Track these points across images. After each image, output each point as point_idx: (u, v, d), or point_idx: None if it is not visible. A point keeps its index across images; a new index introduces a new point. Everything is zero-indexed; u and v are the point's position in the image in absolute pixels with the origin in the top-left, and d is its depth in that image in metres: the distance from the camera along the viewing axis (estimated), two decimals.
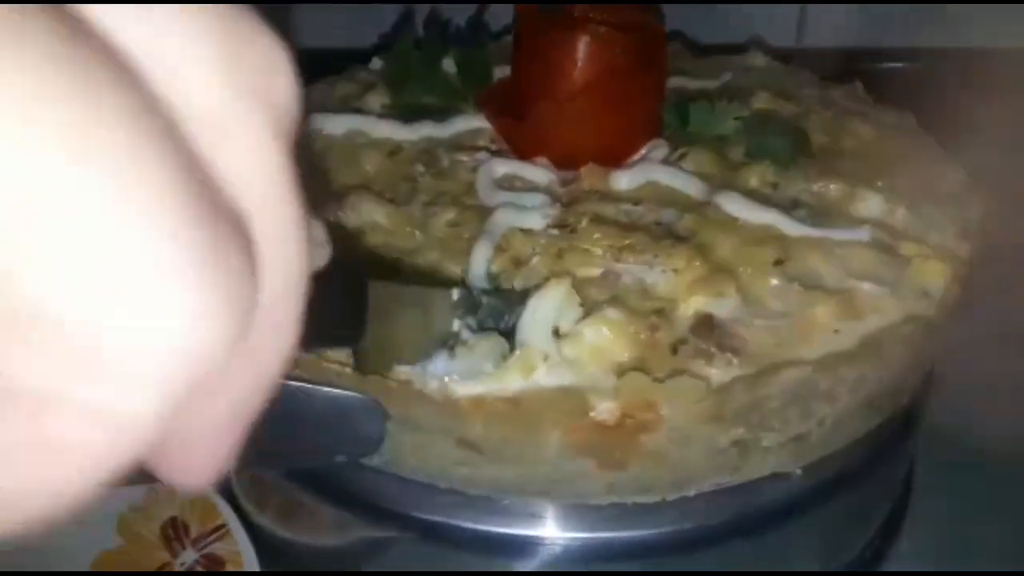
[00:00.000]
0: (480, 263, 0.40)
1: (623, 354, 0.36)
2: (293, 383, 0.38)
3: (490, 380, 0.36)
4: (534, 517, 0.40)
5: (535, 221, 0.44)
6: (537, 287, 0.39)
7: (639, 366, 0.36)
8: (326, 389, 0.38)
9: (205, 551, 0.49)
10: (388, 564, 0.44)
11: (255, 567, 0.47)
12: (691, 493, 0.39)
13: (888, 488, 0.49)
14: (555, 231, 0.42)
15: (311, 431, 0.40)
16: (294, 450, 0.47)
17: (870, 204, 0.46)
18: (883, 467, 0.45)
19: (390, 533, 0.43)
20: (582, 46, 0.47)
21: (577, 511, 0.40)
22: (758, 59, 0.63)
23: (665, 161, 0.48)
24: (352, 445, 0.42)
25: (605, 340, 0.37)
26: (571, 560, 0.40)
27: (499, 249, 0.42)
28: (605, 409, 0.35)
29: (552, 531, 0.41)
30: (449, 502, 0.40)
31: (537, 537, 0.41)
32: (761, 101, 0.54)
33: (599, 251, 0.41)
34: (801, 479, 0.41)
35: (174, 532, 0.50)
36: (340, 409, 0.38)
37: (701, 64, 0.62)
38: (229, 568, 0.47)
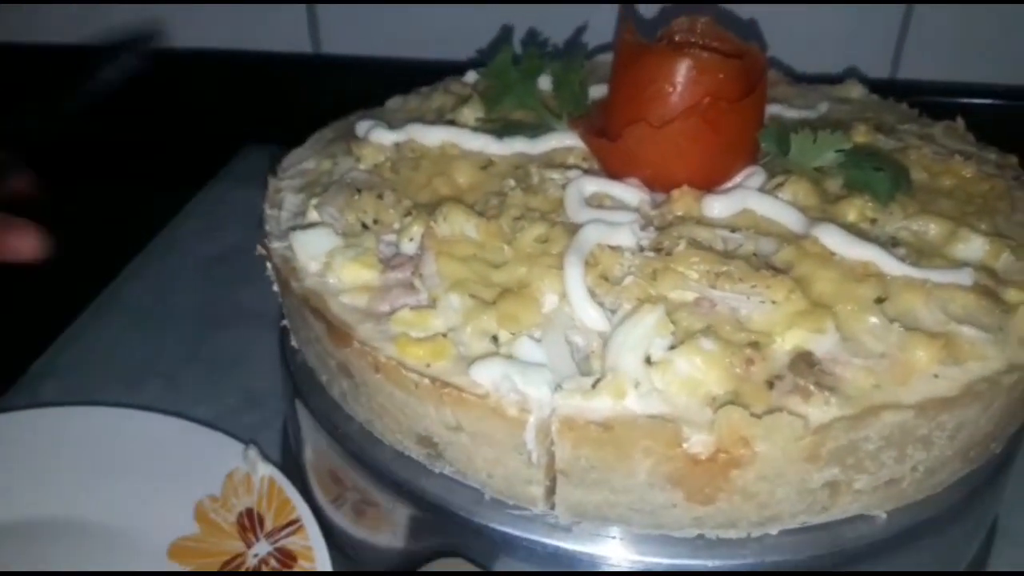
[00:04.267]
0: (576, 279, 0.40)
1: (717, 386, 0.36)
2: None
3: (579, 400, 0.36)
4: (610, 539, 0.40)
5: (624, 238, 0.44)
6: (631, 309, 0.39)
7: (733, 400, 0.35)
8: None
9: (278, 544, 0.50)
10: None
11: (327, 564, 0.48)
12: (775, 531, 0.38)
13: (973, 536, 0.47)
14: (651, 253, 0.42)
15: None
16: None
17: (972, 246, 0.45)
18: (970, 515, 0.44)
19: (460, 540, 0.43)
20: (684, 70, 0.47)
21: (654, 536, 0.40)
22: (855, 91, 0.62)
23: (761, 189, 0.47)
24: None
25: (698, 371, 0.36)
26: None
27: (587, 265, 0.42)
28: (699, 442, 0.34)
29: (625, 554, 0.40)
30: (526, 515, 0.41)
31: (609, 559, 0.41)
32: (859, 134, 0.53)
33: (695, 276, 0.40)
34: (886, 523, 0.40)
35: (249, 523, 0.51)
36: None
37: (798, 92, 0.61)
38: (301, 563, 0.48)
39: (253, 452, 0.54)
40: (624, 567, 0.40)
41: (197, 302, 0.74)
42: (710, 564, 0.39)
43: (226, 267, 0.77)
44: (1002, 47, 0.82)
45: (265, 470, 0.53)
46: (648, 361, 0.37)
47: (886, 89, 0.63)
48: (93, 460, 0.55)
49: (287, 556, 0.49)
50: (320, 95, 0.74)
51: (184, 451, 0.55)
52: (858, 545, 0.40)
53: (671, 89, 0.47)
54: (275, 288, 0.49)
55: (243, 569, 0.49)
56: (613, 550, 0.40)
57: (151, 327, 0.72)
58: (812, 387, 0.35)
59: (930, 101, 0.61)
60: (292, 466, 0.54)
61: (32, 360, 0.68)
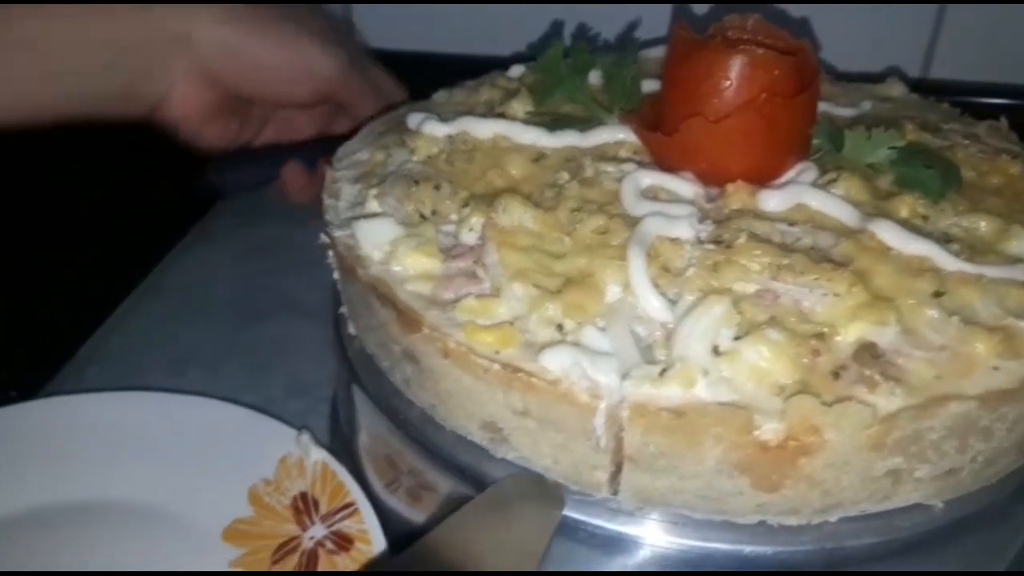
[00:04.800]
0: (640, 271, 0.41)
1: (784, 376, 0.37)
2: None
3: (649, 388, 0.37)
4: (670, 524, 0.41)
5: (683, 230, 0.45)
6: (695, 300, 0.40)
7: (801, 390, 0.36)
8: None
9: (334, 528, 0.51)
10: None
11: (383, 546, 0.49)
12: (835, 518, 0.39)
13: (1018, 533, 0.48)
14: (710, 246, 0.43)
15: None
16: None
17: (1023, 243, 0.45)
18: (1020, 509, 0.45)
19: None
20: (740, 66, 0.48)
21: (715, 522, 0.41)
22: (896, 89, 0.63)
23: (814, 184, 0.48)
24: None
25: (765, 361, 0.37)
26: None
27: (649, 256, 0.43)
28: (770, 429, 0.35)
29: (684, 539, 0.41)
30: (587, 500, 0.42)
31: (668, 543, 0.41)
32: (908, 132, 0.54)
33: (756, 268, 0.41)
34: (941, 512, 0.41)
35: (304, 506, 0.52)
36: None
37: (841, 91, 0.62)
38: (358, 546, 0.49)
39: (306, 437, 0.55)
40: (682, 551, 0.41)
41: (238, 291, 0.75)
42: (769, 550, 0.40)
43: (266, 256, 0.78)
44: None
45: (318, 455, 0.54)
46: (715, 351, 0.38)
47: (918, 89, 0.64)
48: (146, 444, 0.56)
49: (343, 539, 0.50)
50: None
51: (236, 436, 0.56)
52: (914, 533, 0.40)
53: (727, 84, 0.48)
54: (335, 276, 0.50)
55: (300, 551, 0.50)
56: (672, 535, 0.41)
57: (193, 315, 0.73)
58: (878, 377, 0.36)
59: (961, 101, 0.62)
60: (342, 451, 0.55)
61: (78, 347, 0.69)
